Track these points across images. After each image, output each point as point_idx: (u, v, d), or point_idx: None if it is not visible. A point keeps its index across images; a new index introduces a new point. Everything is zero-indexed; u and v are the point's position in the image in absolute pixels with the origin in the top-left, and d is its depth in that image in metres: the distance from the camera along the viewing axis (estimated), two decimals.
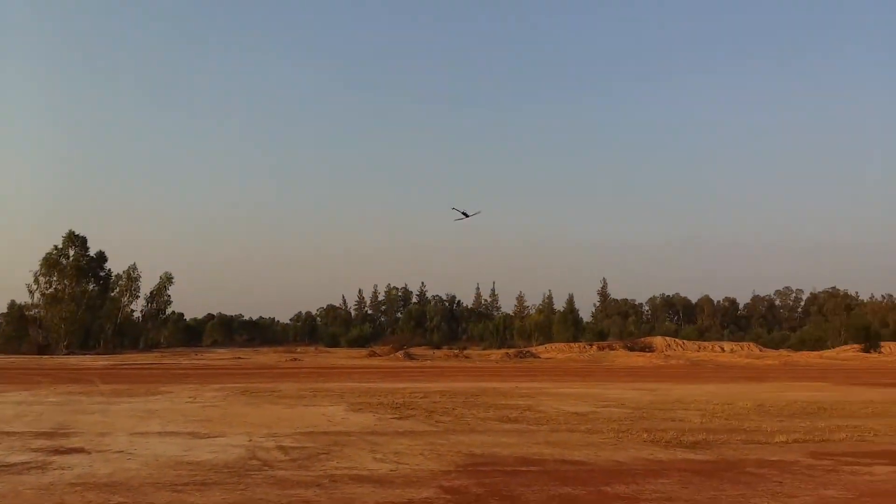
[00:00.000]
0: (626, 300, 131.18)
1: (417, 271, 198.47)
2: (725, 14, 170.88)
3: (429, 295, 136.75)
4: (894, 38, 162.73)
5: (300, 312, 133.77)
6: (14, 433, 11.60)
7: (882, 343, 74.73)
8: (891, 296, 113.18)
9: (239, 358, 49.98)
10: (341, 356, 57.93)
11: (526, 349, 67.43)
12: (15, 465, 8.81)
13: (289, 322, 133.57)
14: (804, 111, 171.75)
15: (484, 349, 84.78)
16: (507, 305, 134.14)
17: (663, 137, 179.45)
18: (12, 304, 76.15)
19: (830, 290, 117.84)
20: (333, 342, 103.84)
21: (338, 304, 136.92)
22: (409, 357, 52.16)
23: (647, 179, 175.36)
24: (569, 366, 46.03)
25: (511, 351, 64.61)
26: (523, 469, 8.86)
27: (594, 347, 69.15)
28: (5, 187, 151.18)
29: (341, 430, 12.24)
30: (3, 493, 7.22)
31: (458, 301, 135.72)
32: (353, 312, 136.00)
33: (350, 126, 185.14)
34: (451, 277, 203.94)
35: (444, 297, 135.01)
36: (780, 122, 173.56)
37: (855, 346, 72.30)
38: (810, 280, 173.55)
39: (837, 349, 73.44)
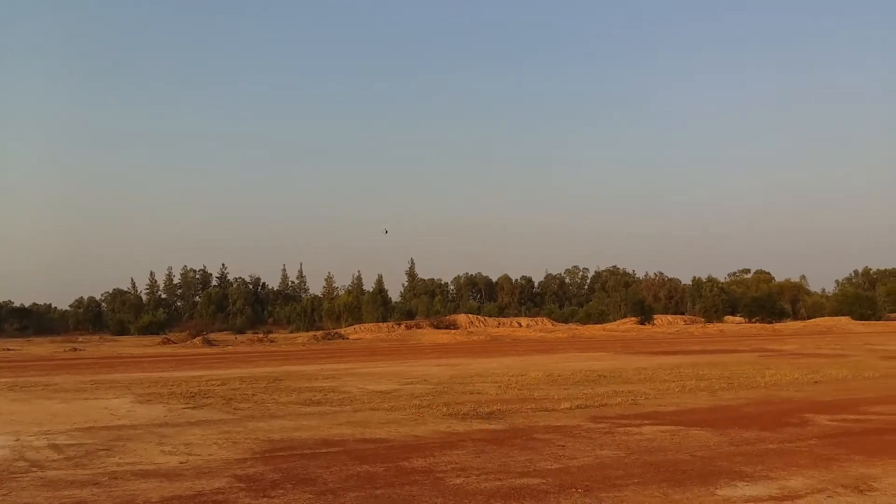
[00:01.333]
0: (432, 280, 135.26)
1: (218, 252, 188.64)
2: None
3: (231, 277, 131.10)
4: None
5: (82, 298, 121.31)
6: None
7: (655, 315, 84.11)
8: (661, 273, 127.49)
9: (8, 350, 44.36)
10: (130, 345, 53.62)
11: (334, 331, 67.09)
12: None
13: (68, 309, 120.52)
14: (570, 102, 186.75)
15: (291, 332, 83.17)
16: (316, 286, 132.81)
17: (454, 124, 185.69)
18: None
19: (612, 269, 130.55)
20: (121, 330, 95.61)
21: (126, 289, 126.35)
22: (209, 343, 49.63)
23: (442, 164, 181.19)
24: (377, 346, 46.54)
25: (319, 333, 63.93)
26: (323, 451, 8.77)
27: (402, 326, 70.57)
28: None
29: (126, 424, 11.32)
30: None
31: (263, 283, 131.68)
32: (144, 297, 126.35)
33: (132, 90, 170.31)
34: (255, 258, 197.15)
35: (248, 279, 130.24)
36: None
37: (633, 318, 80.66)
38: (595, 260, 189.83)
39: (618, 322, 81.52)
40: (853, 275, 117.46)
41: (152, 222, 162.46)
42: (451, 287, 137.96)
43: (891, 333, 51.58)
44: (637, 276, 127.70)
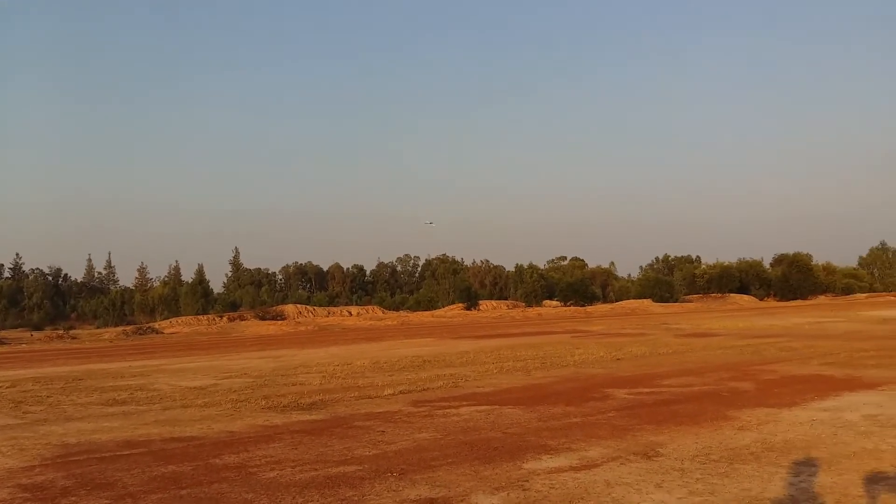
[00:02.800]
0: (259, 269, 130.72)
1: (10, 241, 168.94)
2: None
3: (26, 268, 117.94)
4: None
5: None
6: None
7: (480, 301, 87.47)
8: (487, 261, 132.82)
9: None
10: None
11: (147, 325, 62.65)
12: None
13: None
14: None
15: (97, 328, 76.57)
16: (127, 278, 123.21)
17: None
18: None
19: (441, 257, 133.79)
20: None
21: None
22: None
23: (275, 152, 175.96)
24: (194, 339, 44.12)
25: (129, 328, 59.39)
26: (125, 453, 8.14)
27: (224, 319, 67.46)
28: None
29: None
30: None
31: (66, 274, 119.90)
32: None
33: None
34: (55, 248, 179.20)
35: (47, 270, 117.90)
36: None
37: (460, 304, 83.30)
38: (426, 248, 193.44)
39: (446, 308, 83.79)
40: (654, 261, 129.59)
41: None
42: (280, 277, 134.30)
43: (685, 314, 57.66)
44: (465, 263, 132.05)
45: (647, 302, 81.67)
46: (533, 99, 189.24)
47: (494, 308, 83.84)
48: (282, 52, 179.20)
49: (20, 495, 6.32)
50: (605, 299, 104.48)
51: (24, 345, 42.54)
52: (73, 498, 6.17)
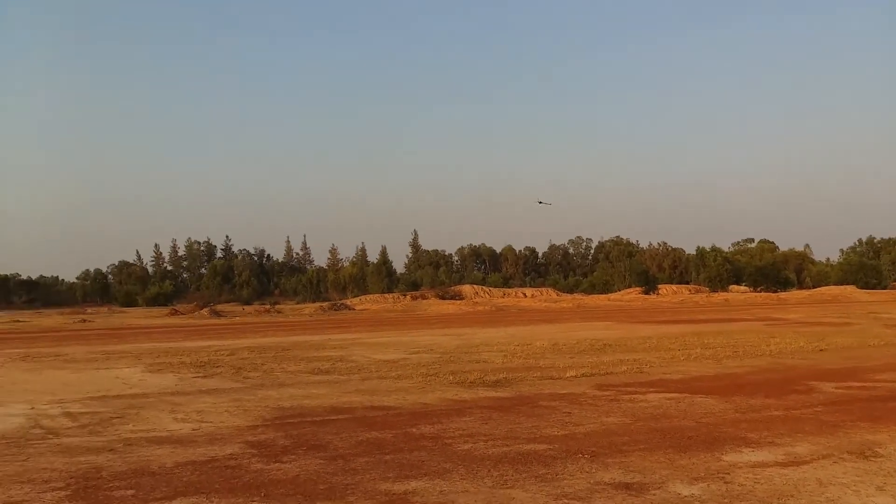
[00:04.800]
0: (436, 251, 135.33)
1: (220, 225, 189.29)
2: None
3: (235, 249, 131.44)
4: None
5: (89, 270, 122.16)
6: None
7: (659, 285, 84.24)
8: (664, 243, 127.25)
9: (17, 321, 44.79)
10: (138, 316, 54.06)
11: (340, 302, 67.45)
12: None
13: (76, 281, 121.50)
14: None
15: (297, 303, 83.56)
16: (320, 258, 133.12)
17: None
18: None
19: (615, 239, 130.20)
20: (129, 301, 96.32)
21: (132, 261, 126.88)
22: (216, 314, 49.97)
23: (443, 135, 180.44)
24: (383, 316, 46.80)
25: (325, 304, 64.27)
26: (333, 418, 8.91)
27: (408, 297, 70.88)
28: None
29: (138, 393, 11.48)
30: None
31: (268, 255, 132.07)
32: (150, 269, 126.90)
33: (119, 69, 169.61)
34: (259, 231, 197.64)
35: (253, 251, 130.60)
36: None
37: (637, 288, 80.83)
38: (598, 230, 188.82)
39: (622, 292, 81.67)
40: (857, 244, 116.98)
41: (156, 195, 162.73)
42: (456, 258, 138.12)
43: (895, 302, 51.62)
44: (640, 245, 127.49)
45: (850, 288, 74.10)
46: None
47: (675, 292, 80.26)
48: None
49: (248, 451, 7.15)
50: (801, 285, 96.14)
51: (237, 317, 47.61)
52: (293, 456, 6.88)
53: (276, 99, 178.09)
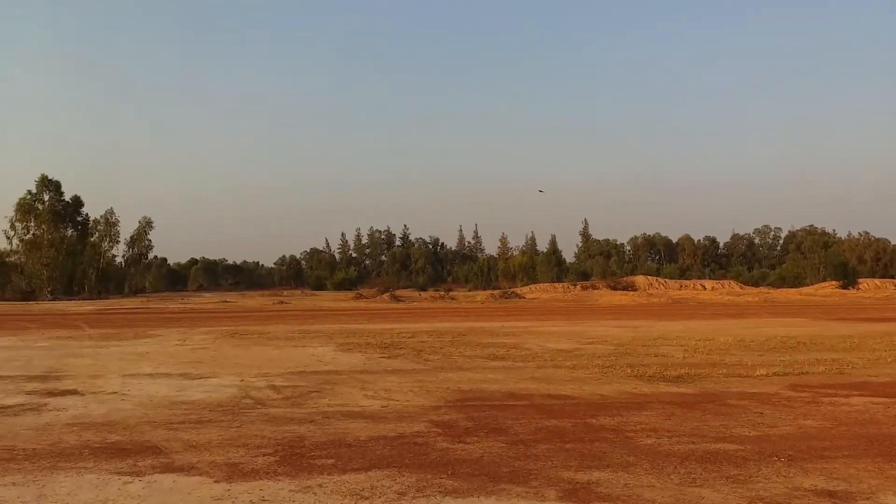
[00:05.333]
0: (607, 240, 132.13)
1: (399, 215, 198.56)
2: None
3: (412, 237, 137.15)
4: None
5: (284, 256, 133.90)
6: (6, 377, 11.67)
7: (860, 280, 76.18)
8: (866, 233, 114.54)
9: (226, 301, 50.10)
10: (327, 299, 58.22)
11: (511, 290, 68.15)
12: (10, 406, 8.90)
13: (273, 266, 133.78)
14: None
15: (469, 290, 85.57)
16: (491, 247, 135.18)
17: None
18: None
19: (808, 228, 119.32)
20: (319, 285, 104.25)
21: (321, 248, 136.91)
22: (396, 299, 52.53)
23: (618, 119, 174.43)
24: (553, 305, 46.64)
25: (496, 292, 65.28)
26: (511, 403, 9.08)
27: (578, 287, 70.01)
28: None
29: (331, 370, 12.43)
30: (0, 434, 7.30)
31: (442, 243, 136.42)
32: (337, 256, 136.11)
33: (338, 65, 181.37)
34: (434, 220, 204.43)
35: (428, 240, 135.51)
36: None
37: (833, 282, 73.70)
38: (788, 219, 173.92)
39: (816, 286, 74.89)
40: None
41: (343, 186, 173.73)
42: (628, 248, 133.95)
43: None
44: (838, 236, 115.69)
45: None
46: None
47: (878, 287, 72.18)
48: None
49: (433, 430, 7.50)
50: None
51: (414, 303, 49.76)
52: (475, 438, 7.12)
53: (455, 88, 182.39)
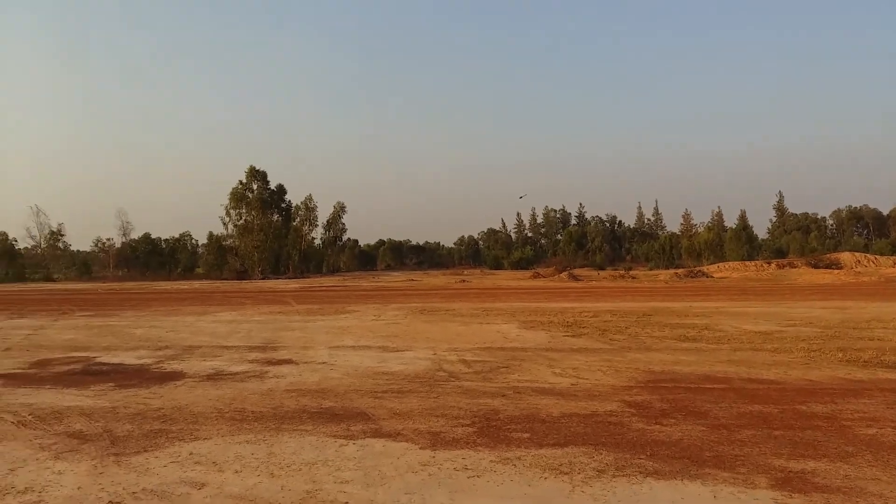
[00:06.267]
0: (806, 214, 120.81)
1: (575, 193, 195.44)
2: None
3: (588, 216, 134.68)
4: None
5: (463, 236, 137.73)
6: (232, 347, 13.19)
7: None
8: None
9: (412, 280, 52.54)
10: (506, 278, 59.03)
11: (697, 268, 64.73)
12: (238, 373, 10.07)
13: (453, 246, 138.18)
14: None
15: (650, 269, 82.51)
16: (672, 224, 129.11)
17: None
18: (211, 236, 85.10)
19: None
20: (497, 265, 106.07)
21: (498, 228, 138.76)
22: (574, 278, 52.01)
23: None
24: (745, 285, 43.68)
25: (680, 271, 62.34)
26: (707, 386, 8.71)
27: (772, 265, 64.86)
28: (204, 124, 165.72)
29: (517, 346, 12.65)
30: (232, 397, 8.30)
31: (620, 221, 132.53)
32: (513, 235, 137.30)
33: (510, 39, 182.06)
34: (610, 197, 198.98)
35: (605, 218, 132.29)
36: None
37: None
38: None
39: None
40: None
41: (518, 166, 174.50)
42: (831, 222, 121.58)
43: None
44: None
45: None
46: None
47: None
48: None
49: (627, 410, 7.41)
50: None
51: (593, 282, 48.99)
52: (672, 420, 6.94)
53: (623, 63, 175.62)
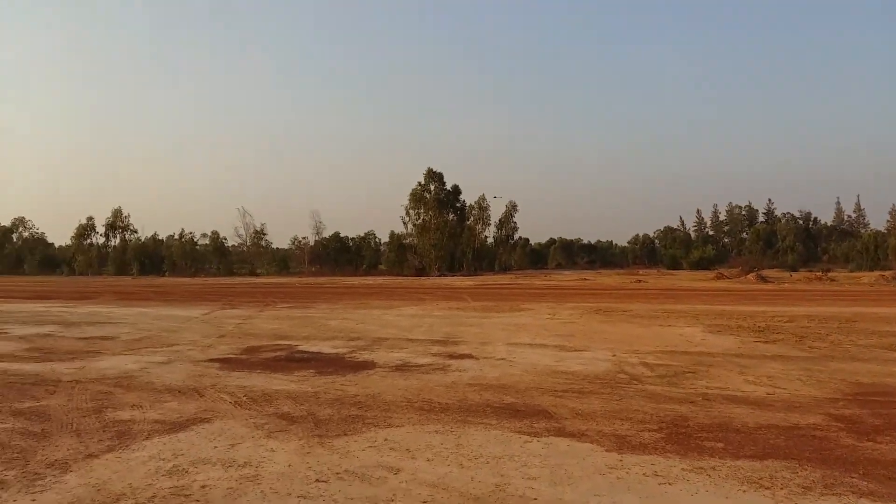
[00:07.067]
0: None
1: (762, 188, 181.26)
2: None
3: (778, 213, 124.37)
4: None
5: (637, 235, 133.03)
6: (416, 340, 13.83)
7: None
8: None
9: (584, 279, 51.75)
10: (685, 278, 56.24)
11: None
12: (423, 365, 10.55)
13: (626, 245, 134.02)
14: None
15: (851, 271, 74.68)
16: (878, 221, 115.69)
17: None
18: (392, 234, 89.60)
19: None
20: (674, 264, 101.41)
21: (675, 226, 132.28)
22: (762, 279, 48.35)
23: None
24: None
25: (888, 273, 55.70)
26: None
27: None
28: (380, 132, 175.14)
29: (703, 351, 12.06)
30: (419, 388, 8.72)
31: (815, 218, 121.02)
32: (692, 234, 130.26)
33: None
34: (803, 192, 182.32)
35: (798, 214, 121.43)
36: None
37: None
38: None
39: None
40: None
41: (697, 160, 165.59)
42: None
43: None
44: None
45: None
46: None
47: None
48: None
49: (833, 424, 6.82)
50: None
51: (785, 283, 45.26)
52: (888, 437, 6.27)
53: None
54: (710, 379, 9.33)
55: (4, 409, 7.54)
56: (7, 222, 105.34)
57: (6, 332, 15.78)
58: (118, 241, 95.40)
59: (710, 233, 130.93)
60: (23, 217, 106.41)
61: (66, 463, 5.56)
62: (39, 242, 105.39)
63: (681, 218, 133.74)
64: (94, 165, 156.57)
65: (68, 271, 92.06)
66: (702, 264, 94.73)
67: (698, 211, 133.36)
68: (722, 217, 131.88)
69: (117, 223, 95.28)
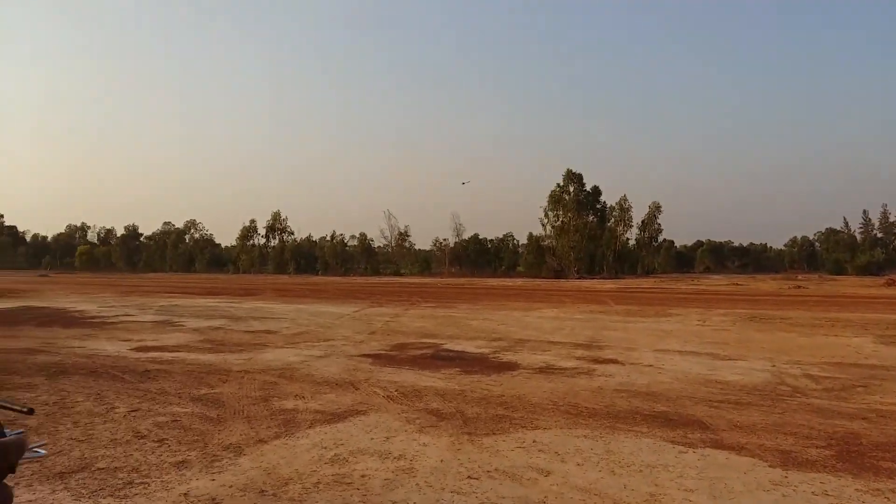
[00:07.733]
0: None
1: None
2: None
3: None
4: None
5: (795, 237, 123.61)
6: (557, 343, 13.74)
7: None
8: None
9: (736, 284, 48.90)
10: (850, 284, 51.56)
11: None
12: (567, 369, 10.48)
13: (783, 248, 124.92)
14: None
15: None
16: None
17: None
18: (530, 237, 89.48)
19: None
20: (838, 269, 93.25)
21: (839, 228, 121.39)
22: None
23: None
24: None
25: None
26: None
27: None
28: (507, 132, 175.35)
29: (875, 364, 11.06)
30: (565, 391, 8.67)
31: None
32: (858, 236, 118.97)
33: None
34: None
35: None
36: None
37: None
38: None
39: None
40: None
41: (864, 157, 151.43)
42: None
43: None
44: None
45: None
46: None
47: None
48: None
49: None
50: None
51: None
52: None
53: None
54: (885, 394, 8.56)
55: (185, 395, 8.35)
56: (180, 224, 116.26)
57: (183, 325, 17.43)
58: (277, 241, 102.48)
59: (879, 235, 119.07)
60: (194, 219, 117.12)
61: (240, 447, 6.08)
62: (208, 243, 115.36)
63: (845, 219, 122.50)
64: (256, 173, 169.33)
65: (233, 269, 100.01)
66: (870, 269, 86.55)
67: (865, 212, 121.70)
68: (892, 218, 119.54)
69: (276, 225, 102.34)
